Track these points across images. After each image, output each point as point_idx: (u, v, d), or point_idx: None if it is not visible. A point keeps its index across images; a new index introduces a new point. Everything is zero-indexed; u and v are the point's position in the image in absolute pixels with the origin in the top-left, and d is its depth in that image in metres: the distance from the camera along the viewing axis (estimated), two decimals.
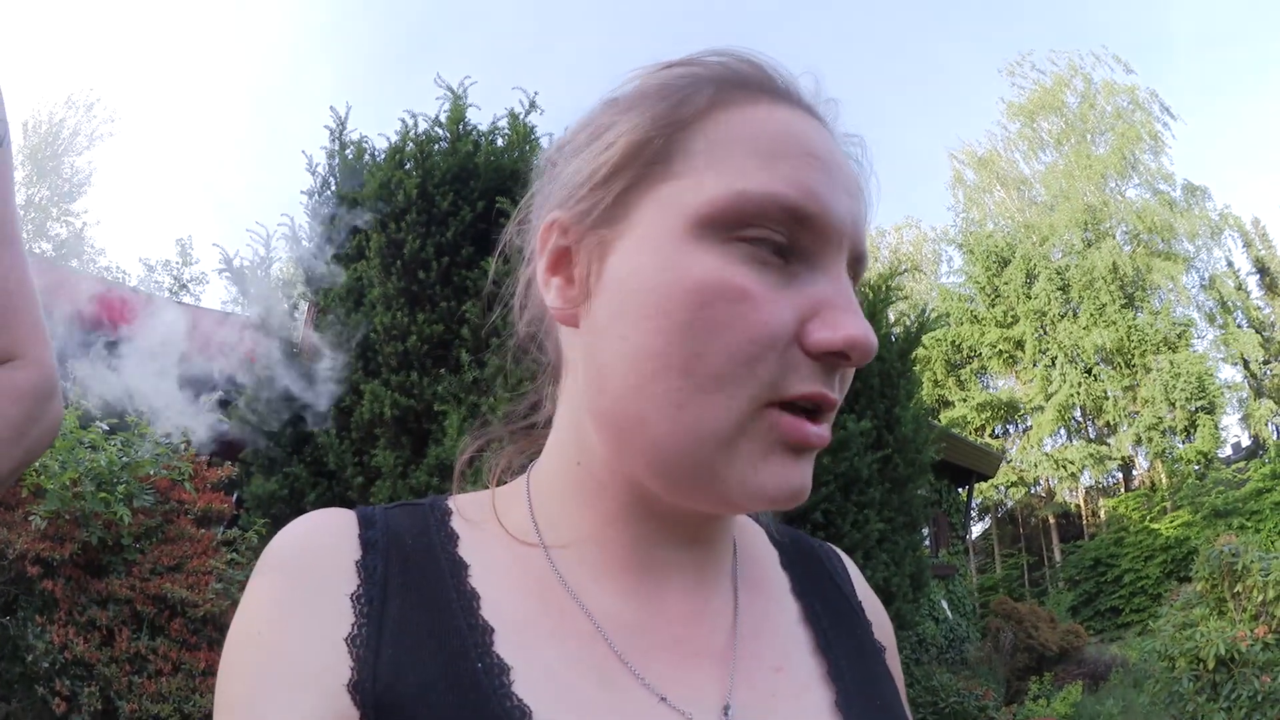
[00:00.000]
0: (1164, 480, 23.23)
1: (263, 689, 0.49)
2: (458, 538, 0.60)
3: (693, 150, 0.53)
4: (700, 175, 0.52)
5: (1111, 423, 25.29)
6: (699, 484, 0.52)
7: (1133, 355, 24.79)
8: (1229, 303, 26.58)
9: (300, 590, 0.54)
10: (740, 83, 0.56)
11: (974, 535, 24.38)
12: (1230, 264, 27.43)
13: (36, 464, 3.56)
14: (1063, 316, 25.71)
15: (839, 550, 0.78)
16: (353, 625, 0.52)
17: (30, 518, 3.44)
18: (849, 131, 0.60)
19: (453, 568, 0.57)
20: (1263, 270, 27.06)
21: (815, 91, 0.59)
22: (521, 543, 0.60)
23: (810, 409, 0.52)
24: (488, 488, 0.67)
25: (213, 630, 3.57)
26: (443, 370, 4.44)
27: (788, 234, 0.51)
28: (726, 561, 0.65)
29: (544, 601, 0.57)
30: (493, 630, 0.53)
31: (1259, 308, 27.01)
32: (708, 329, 0.50)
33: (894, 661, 0.71)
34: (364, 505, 0.63)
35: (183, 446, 4.35)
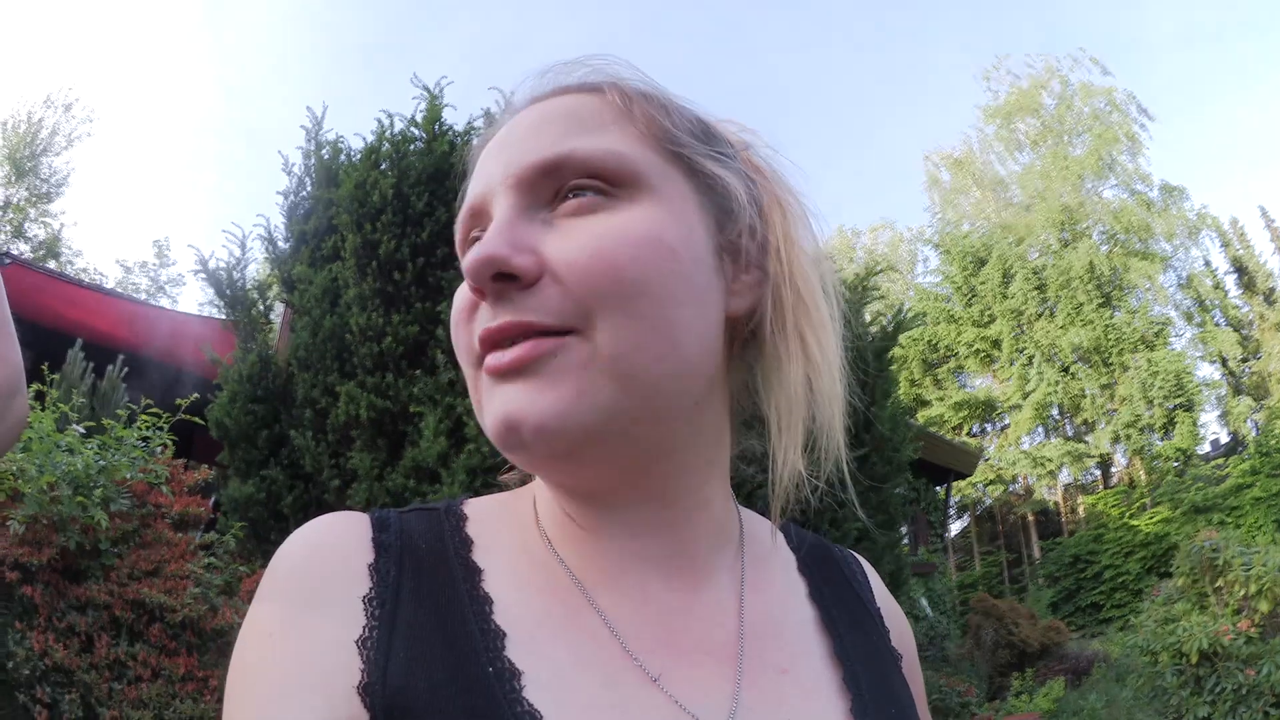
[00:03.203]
0: (1143, 477, 23.37)
1: (273, 689, 0.50)
2: (472, 543, 0.60)
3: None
4: None
5: (1089, 421, 25.47)
6: None
7: (1110, 354, 24.93)
8: (1207, 302, 26.77)
9: (312, 592, 0.54)
10: (483, 140, 0.64)
11: (953, 533, 24.52)
12: (1208, 263, 27.61)
13: (14, 468, 3.56)
14: (1039, 316, 25.85)
15: (860, 557, 0.79)
16: (364, 628, 0.52)
17: (8, 523, 3.43)
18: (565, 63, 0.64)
19: (466, 573, 0.57)
20: (1240, 269, 27.24)
21: (528, 85, 0.63)
22: (533, 545, 0.61)
23: (509, 345, 0.53)
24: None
25: (191, 635, 3.56)
26: (418, 372, 4.44)
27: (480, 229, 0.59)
28: (717, 558, 0.64)
29: (557, 603, 0.57)
30: (504, 635, 0.53)
31: (1237, 306, 27.21)
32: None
33: (912, 669, 0.71)
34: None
35: (159, 450, 4.33)
